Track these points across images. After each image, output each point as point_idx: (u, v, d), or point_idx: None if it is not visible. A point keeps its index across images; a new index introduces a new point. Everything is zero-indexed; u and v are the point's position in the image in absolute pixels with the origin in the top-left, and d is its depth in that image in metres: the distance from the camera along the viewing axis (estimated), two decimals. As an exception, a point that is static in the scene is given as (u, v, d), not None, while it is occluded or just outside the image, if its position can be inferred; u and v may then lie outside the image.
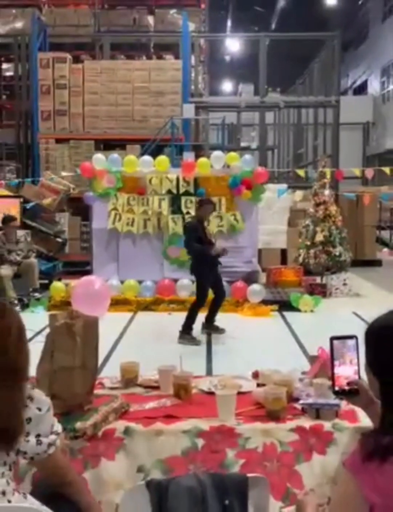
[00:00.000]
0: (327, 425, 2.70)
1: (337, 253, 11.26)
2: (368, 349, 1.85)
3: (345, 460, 1.83)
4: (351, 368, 2.02)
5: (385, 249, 17.51)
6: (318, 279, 11.34)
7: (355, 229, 14.57)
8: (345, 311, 9.45)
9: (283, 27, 26.52)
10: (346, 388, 2.00)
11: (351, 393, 2.00)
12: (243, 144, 22.67)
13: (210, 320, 8.21)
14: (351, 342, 2.03)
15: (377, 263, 15.18)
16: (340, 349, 2.02)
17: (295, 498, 2.25)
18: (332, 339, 2.02)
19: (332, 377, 2.02)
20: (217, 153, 10.90)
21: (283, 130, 23.43)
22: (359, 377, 2.03)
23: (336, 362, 2.00)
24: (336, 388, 2.01)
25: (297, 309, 9.70)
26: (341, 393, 2.03)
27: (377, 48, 28.55)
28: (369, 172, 12.27)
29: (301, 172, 12.31)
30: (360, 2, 29.63)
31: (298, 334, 8.13)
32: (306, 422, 2.74)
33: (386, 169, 11.90)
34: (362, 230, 15.16)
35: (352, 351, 2.03)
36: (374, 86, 29.74)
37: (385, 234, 18.66)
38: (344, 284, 11.20)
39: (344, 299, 10.80)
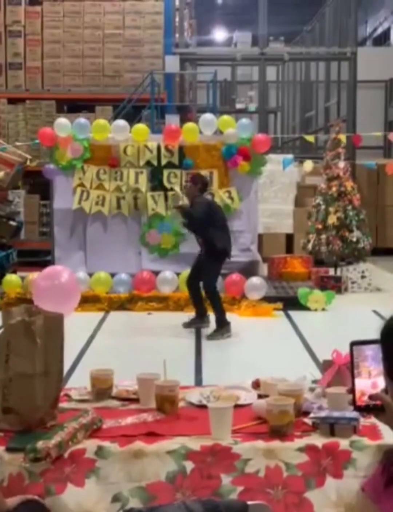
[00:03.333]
0: (343, 443, 2.71)
1: (354, 239, 11.32)
2: (386, 352, 1.87)
3: (365, 484, 1.86)
4: (370, 380, 2.05)
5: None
6: (331, 271, 11.40)
7: (375, 209, 14.66)
8: (364, 309, 9.50)
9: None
10: (370, 403, 2.03)
11: (376, 408, 2.03)
12: (238, 106, 22.60)
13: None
14: (373, 348, 2.04)
15: (401, 251, 15.28)
16: (361, 356, 2.04)
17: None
18: (353, 344, 2.04)
19: (353, 390, 2.05)
20: (207, 117, 10.89)
21: (288, 89, 23.45)
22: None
23: (356, 372, 2.03)
24: (358, 404, 2.04)
25: (305, 308, 9.75)
26: (364, 410, 2.07)
27: (402, -11, 28.60)
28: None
29: (310, 139, 12.30)
30: None
31: (306, 338, 8.18)
32: (318, 440, 2.75)
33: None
34: (384, 211, 15.27)
35: (374, 358, 2.05)
36: (399, 35, 29.81)
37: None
38: (363, 277, 11.27)
39: (363, 295, 10.87)
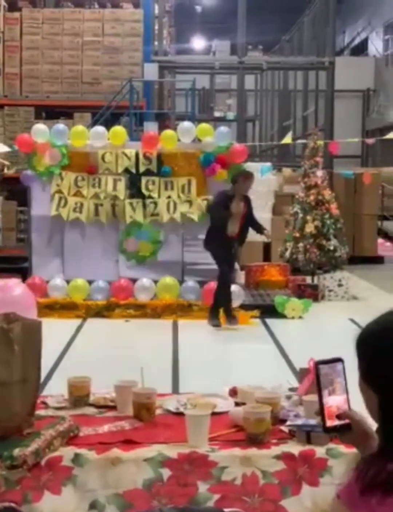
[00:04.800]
0: (319, 451, 2.73)
1: (331, 248, 11.38)
2: (363, 360, 1.87)
3: (340, 491, 1.86)
4: (341, 397, 2.01)
5: (388, 243, 17.72)
6: (308, 279, 11.45)
7: (352, 218, 14.74)
8: (341, 317, 9.56)
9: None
10: (338, 423, 1.96)
11: (343, 428, 1.96)
12: (217, 114, 22.71)
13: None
14: (339, 366, 2.02)
15: (378, 260, 15.38)
16: (328, 374, 2.01)
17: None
18: (318, 363, 1.97)
19: (322, 412, 1.98)
20: (185, 124, 10.91)
21: (266, 98, 23.55)
22: (349, 407, 2.02)
23: (325, 391, 1.97)
24: (328, 425, 1.96)
25: (283, 315, 9.78)
26: (333, 431, 1.98)
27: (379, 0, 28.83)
28: (370, 141, 12.23)
29: (287, 140, 12.27)
30: None
31: (283, 345, 8.21)
32: (295, 448, 2.77)
33: (391, 136, 11.94)
34: (361, 220, 15.34)
35: (341, 376, 2.02)
36: (375, 46, 30.04)
37: (389, 225, 18.85)
38: (340, 285, 11.32)
39: (340, 303, 10.92)
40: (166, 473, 2.69)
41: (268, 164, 13.58)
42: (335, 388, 1.98)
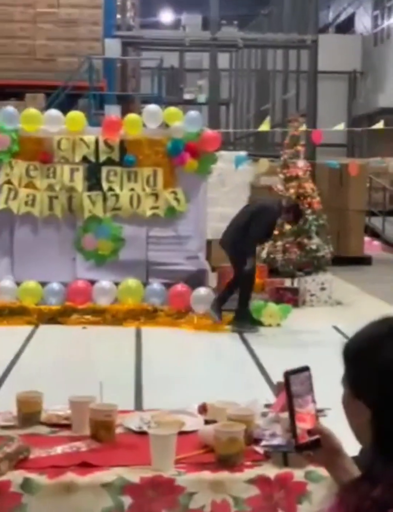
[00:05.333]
0: (297, 474, 2.74)
1: (314, 247, 11.44)
2: (354, 372, 1.89)
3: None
4: (312, 410, 2.01)
5: (376, 242, 17.85)
6: (287, 282, 11.48)
7: (337, 214, 14.81)
8: (323, 324, 9.62)
9: None
10: (309, 439, 1.95)
11: (314, 445, 1.96)
12: (187, 96, 22.70)
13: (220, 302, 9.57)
14: (307, 375, 2.01)
15: (366, 260, 15.48)
16: (298, 386, 2.00)
17: None
18: (288, 374, 1.97)
19: (293, 427, 1.96)
20: (151, 108, 10.90)
21: (242, 78, 23.60)
22: (317, 420, 2.03)
23: (296, 405, 1.95)
24: (301, 442, 1.95)
25: (259, 322, 9.79)
26: (306, 448, 1.97)
27: (368, -29, 29.05)
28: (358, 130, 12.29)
29: (265, 126, 12.27)
30: None
31: (259, 356, 8.22)
32: (270, 471, 2.77)
33: (379, 126, 12.03)
34: (347, 216, 15.44)
35: (310, 386, 2.02)
36: (363, 22, 30.23)
37: (376, 222, 19.00)
38: (322, 289, 11.37)
39: (322, 309, 10.96)
40: (127, 501, 2.68)
41: (243, 153, 13.61)
42: (306, 400, 1.99)
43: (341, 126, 11.51)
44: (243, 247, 9.37)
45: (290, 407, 1.97)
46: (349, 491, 1.87)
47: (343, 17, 33.09)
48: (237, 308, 9.58)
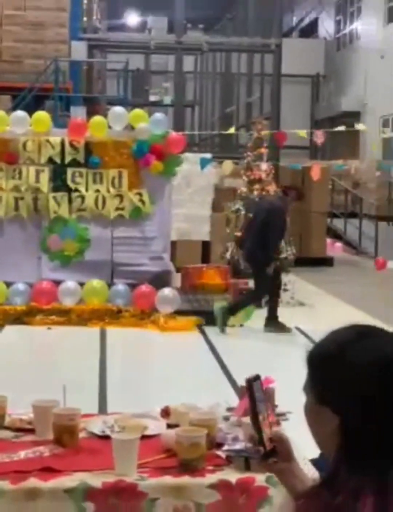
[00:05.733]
0: (259, 479, 2.73)
1: (276, 248, 11.45)
2: (321, 379, 1.87)
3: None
4: (269, 416, 1.99)
5: (338, 244, 17.93)
6: (251, 283, 11.49)
7: (300, 216, 14.85)
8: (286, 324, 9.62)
9: None
10: (271, 446, 1.94)
11: (274, 451, 1.95)
12: (152, 98, 22.69)
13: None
14: (260, 382, 2.00)
15: (327, 262, 15.55)
16: (260, 392, 1.98)
17: None
18: (250, 381, 1.96)
19: (260, 435, 1.95)
20: (116, 110, 10.86)
21: (207, 81, 23.61)
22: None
23: (259, 411, 1.94)
24: (269, 448, 1.94)
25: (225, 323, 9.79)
26: (271, 455, 1.95)
27: (331, -23, 29.19)
28: (319, 136, 12.23)
29: (230, 131, 12.32)
30: None
31: (223, 358, 8.21)
32: (232, 475, 2.76)
33: (341, 129, 12.07)
34: (309, 218, 15.50)
35: (263, 393, 2.00)
36: (326, 27, 30.38)
37: (338, 224, 19.11)
38: (285, 290, 11.38)
39: (285, 310, 10.92)
40: (90, 507, 2.65)
41: (208, 155, 13.61)
42: (265, 407, 1.98)
43: (303, 131, 11.51)
44: (264, 256, 9.38)
45: (254, 414, 1.95)
46: (310, 498, 1.85)
47: (306, 21, 33.21)
48: (268, 311, 9.69)
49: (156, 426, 3.17)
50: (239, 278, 11.49)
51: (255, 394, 1.95)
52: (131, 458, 2.79)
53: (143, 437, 2.95)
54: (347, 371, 1.81)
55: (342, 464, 1.83)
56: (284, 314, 10.53)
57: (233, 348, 8.76)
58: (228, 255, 11.61)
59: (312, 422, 1.87)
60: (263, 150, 11.88)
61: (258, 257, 9.38)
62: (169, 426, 3.17)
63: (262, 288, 9.64)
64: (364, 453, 1.78)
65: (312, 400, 1.85)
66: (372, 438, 1.78)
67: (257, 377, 2.01)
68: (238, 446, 2.89)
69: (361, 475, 1.77)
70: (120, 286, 10.09)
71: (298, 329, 9.29)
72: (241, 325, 9.81)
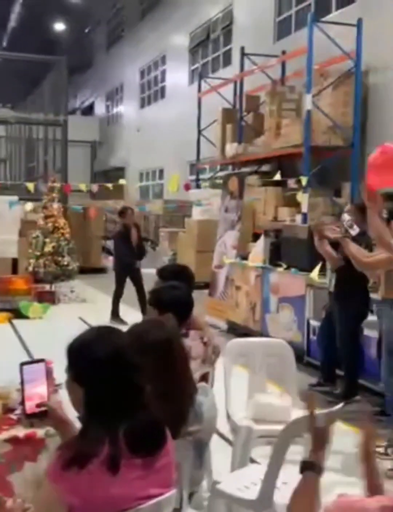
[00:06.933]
0: (40, 433, 2.68)
1: (65, 263, 11.32)
2: (74, 362, 1.92)
3: (47, 468, 1.86)
4: (42, 389, 2.09)
5: (110, 257, 17.97)
6: (47, 287, 11.25)
7: (82, 239, 14.74)
8: (72, 316, 9.48)
9: (15, 45, 25.83)
10: (37, 410, 2.03)
11: (42, 414, 2.03)
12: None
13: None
14: (42, 365, 2.12)
15: (102, 270, 15.55)
16: (32, 373, 2.07)
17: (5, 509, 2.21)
18: (22, 365, 2.04)
19: (23, 402, 2.04)
20: None
21: (15, 144, 22.87)
22: (48, 398, 2.10)
23: (27, 386, 2.03)
24: (28, 412, 2.03)
25: (26, 317, 9.51)
26: (32, 416, 2.05)
27: (102, 74, 29.25)
28: (94, 187, 12.65)
29: (30, 187, 12.06)
30: (86, 30, 30.12)
31: (27, 342, 7.96)
32: (21, 432, 2.70)
33: (109, 185, 12.31)
34: (90, 241, 15.43)
35: (43, 372, 2.11)
36: (100, 108, 30.43)
37: (110, 243, 19.09)
38: (72, 291, 11.31)
39: (72, 305, 10.86)
40: None
41: (15, 197, 13.13)
42: (39, 383, 2.05)
43: (83, 185, 11.45)
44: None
45: (21, 387, 2.04)
46: (66, 447, 1.86)
47: (86, 103, 33.12)
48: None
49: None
50: (38, 284, 11.23)
51: (23, 375, 2.04)
52: None
53: None
54: (87, 359, 1.87)
55: (88, 422, 1.88)
56: (71, 309, 10.44)
57: (35, 333, 8.52)
58: (31, 267, 11.31)
59: (69, 392, 1.95)
60: (55, 195, 11.71)
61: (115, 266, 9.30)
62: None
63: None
64: (100, 413, 1.85)
65: (69, 378, 1.93)
66: (104, 403, 1.86)
67: (38, 361, 2.10)
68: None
69: (100, 428, 1.82)
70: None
71: (80, 318, 9.19)
72: (41, 318, 9.58)
